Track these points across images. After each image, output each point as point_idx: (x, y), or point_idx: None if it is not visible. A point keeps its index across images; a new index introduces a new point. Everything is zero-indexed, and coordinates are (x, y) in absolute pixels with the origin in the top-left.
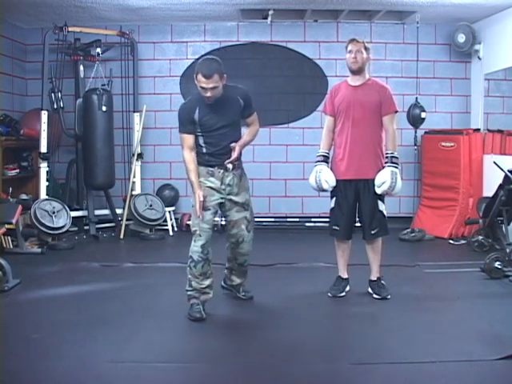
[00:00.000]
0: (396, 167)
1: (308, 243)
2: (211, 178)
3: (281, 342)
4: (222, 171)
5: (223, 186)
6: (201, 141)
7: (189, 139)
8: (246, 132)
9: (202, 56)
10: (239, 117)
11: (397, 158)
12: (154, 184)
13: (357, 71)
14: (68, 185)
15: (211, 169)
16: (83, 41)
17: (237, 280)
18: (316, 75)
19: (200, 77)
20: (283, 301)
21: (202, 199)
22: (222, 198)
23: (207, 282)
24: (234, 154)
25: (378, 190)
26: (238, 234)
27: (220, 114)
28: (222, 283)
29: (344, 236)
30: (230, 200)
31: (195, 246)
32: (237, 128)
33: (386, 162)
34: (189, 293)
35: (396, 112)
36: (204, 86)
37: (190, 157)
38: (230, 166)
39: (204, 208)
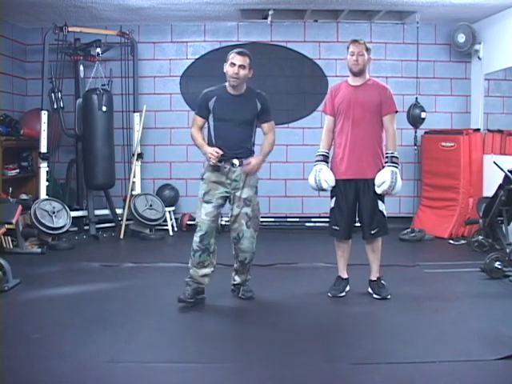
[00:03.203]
0: (396, 167)
1: (308, 243)
2: (216, 173)
3: (281, 341)
4: (228, 167)
5: (228, 181)
6: (212, 131)
7: (199, 121)
8: (264, 143)
9: (202, 56)
10: (252, 118)
11: (397, 157)
12: (154, 184)
13: (358, 73)
14: (68, 185)
15: (218, 163)
16: (83, 41)
17: (238, 279)
18: (316, 75)
19: (234, 54)
20: (283, 301)
21: (216, 152)
22: (226, 192)
23: (204, 271)
24: (249, 166)
25: (378, 190)
26: (238, 229)
27: (234, 109)
28: (232, 286)
29: (344, 236)
30: (235, 195)
31: (195, 237)
32: (248, 128)
33: (385, 162)
34: (186, 279)
35: (396, 112)
36: (235, 62)
37: (196, 130)
38: (236, 161)
39: (206, 201)
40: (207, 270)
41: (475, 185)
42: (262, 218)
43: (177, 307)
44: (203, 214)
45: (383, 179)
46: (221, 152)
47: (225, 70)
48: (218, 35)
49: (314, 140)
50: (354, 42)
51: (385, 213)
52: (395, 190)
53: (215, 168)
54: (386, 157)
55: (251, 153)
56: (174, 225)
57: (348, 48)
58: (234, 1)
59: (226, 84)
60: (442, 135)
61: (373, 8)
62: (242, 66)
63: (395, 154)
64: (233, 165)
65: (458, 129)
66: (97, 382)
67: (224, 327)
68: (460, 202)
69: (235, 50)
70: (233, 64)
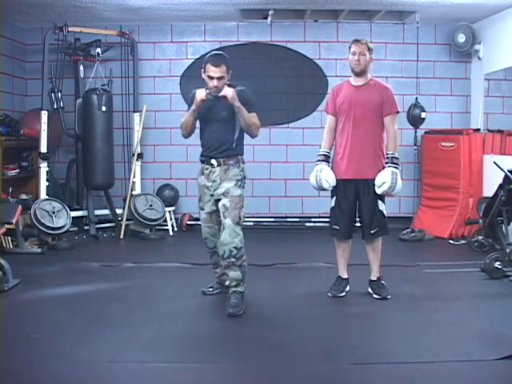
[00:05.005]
0: (396, 167)
1: (308, 243)
2: (202, 177)
3: (281, 342)
4: (208, 167)
5: (210, 183)
6: (199, 131)
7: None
8: None
9: (202, 56)
10: (229, 116)
11: (397, 158)
12: (154, 184)
13: (359, 73)
14: (68, 185)
15: (202, 165)
16: (83, 41)
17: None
18: (316, 75)
19: (209, 66)
20: (283, 301)
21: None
22: (212, 196)
23: (218, 271)
24: (224, 90)
25: (378, 191)
26: (221, 222)
27: (212, 108)
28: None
29: (344, 236)
30: (216, 193)
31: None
32: (227, 127)
33: (386, 163)
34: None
35: (397, 112)
36: (212, 74)
37: None
38: (214, 162)
39: (200, 208)
40: (221, 270)
41: (475, 185)
42: (262, 218)
43: (176, 307)
44: (201, 220)
45: (383, 180)
46: (207, 91)
47: (203, 76)
48: (218, 35)
49: (314, 140)
50: (356, 41)
51: (385, 213)
52: (395, 190)
53: (201, 171)
54: (387, 157)
55: (233, 152)
56: (174, 225)
57: (350, 48)
58: (234, 1)
59: None
60: (442, 135)
61: (373, 8)
62: (219, 78)
63: (396, 155)
64: (211, 165)
65: (458, 129)
66: (97, 381)
67: (224, 327)
68: (460, 202)
69: (210, 59)
70: (210, 78)
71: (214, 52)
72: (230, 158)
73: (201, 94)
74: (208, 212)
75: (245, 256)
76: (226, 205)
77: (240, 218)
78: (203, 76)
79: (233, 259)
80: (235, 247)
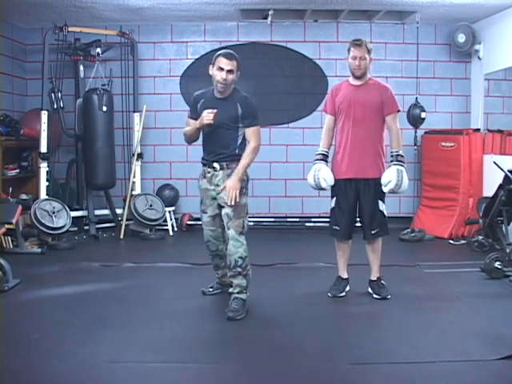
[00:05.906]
0: (401, 165)
1: (308, 243)
2: (203, 180)
3: (281, 341)
4: (210, 171)
5: (212, 187)
6: (201, 135)
7: (190, 122)
8: (243, 154)
9: (202, 56)
10: (231, 123)
11: (402, 156)
12: (154, 184)
13: (360, 76)
14: (68, 185)
15: (204, 168)
16: (83, 41)
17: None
18: (316, 75)
19: (221, 58)
20: (283, 301)
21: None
22: (214, 199)
23: (220, 272)
24: (227, 193)
25: (385, 189)
26: (225, 231)
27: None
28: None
29: (344, 236)
30: (221, 200)
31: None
32: (229, 132)
33: (391, 161)
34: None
35: (398, 111)
36: (223, 66)
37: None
38: (217, 165)
39: (202, 211)
40: (222, 272)
41: (475, 185)
42: (262, 218)
43: (176, 307)
44: (203, 223)
45: (389, 178)
46: (215, 110)
47: (211, 73)
48: (218, 35)
49: (314, 140)
50: (356, 45)
51: (385, 213)
52: (402, 188)
53: (203, 174)
54: (391, 155)
55: (236, 157)
56: (174, 225)
57: (349, 50)
58: (234, 1)
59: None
60: (442, 135)
61: (373, 8)
62: (230, 71)
63: (400, 153)
64: (214, 169)
65: (458, 129)
66: (97, 381)
67: (224, 327)
68: (460, 202)
69: (222, 53)
70: (220, 69)
71: (227, 50)
72: (232, 162)
73: (207, 116)
74: (211, 215)
75: (249, 265)
76: (230, 214)
77: (243, 226)
78: (211, 72)
79: (239, 269)
80: (240, 257)
